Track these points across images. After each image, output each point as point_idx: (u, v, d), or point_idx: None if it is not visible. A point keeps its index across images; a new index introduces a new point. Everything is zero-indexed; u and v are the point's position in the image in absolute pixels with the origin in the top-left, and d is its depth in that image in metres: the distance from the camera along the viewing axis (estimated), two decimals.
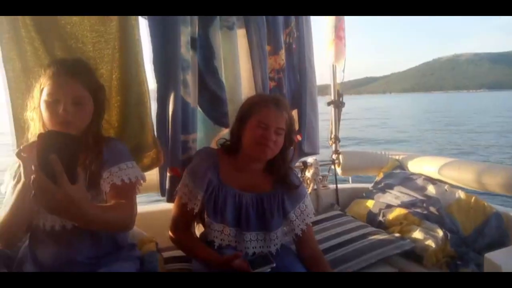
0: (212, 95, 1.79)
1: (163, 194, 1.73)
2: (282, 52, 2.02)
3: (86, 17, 1.48)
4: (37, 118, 1.23)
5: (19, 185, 1.10)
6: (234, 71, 1.86)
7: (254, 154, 1.44)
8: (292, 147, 1.57)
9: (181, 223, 1.49)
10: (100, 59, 1.52)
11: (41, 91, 1.22)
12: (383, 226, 2.10)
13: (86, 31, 1.49)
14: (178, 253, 1.59)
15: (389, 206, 2.18)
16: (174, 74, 1.61)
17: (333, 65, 2.47)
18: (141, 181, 1.31)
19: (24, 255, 1.29)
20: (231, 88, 1.85)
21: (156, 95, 1.61)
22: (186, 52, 1.66)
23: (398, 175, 2.42)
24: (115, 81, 1.55)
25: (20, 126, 1.43)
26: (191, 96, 1.70)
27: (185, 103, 1.67)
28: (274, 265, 1.30)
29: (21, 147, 1.07)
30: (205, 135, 1.84)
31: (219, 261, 1.32)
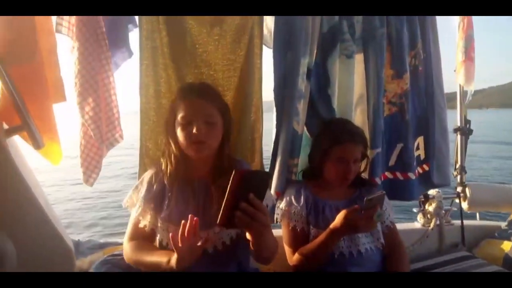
0: (321, 122, 1.78)
1: None
2: (407, 76, 1.91)
3: (220, 46, 1.62)
4: (173, 142, 1.32)
5: (155, 259, 1.20)
6: (348, 98, 1.84)
7: (336, 184, 1.58)
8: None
9: (297, 246, 1.51)
10: (227, 86, 1.63)
11: (174, 115, 1.31)
12: None
13: (218, 59, 1.61)
14: None
15: None
16: (291, 104, 1.67)
17: (460, 89, 2.24)
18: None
19: None
20: (343, 115, 1.83)
21: (275, 123, 1.69)
22: (301, 82, 1.70)
23: None
24: (234, 105, 1.64)
25: (143, 151, 1.59)
26: (300, 124, 1.74)
27: (294, 131, 1.72)
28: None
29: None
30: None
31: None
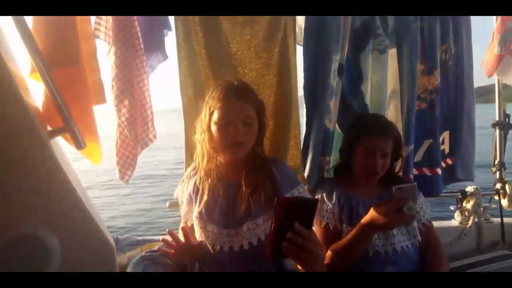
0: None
1: None
2: (438, 72, 1.87)
3: (252, 45, 1.63)
4: (207, 141, 1.29)
5: None
6: (381, 94, 1.82)
7: (364, 178, 1.54)
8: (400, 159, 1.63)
9: (329, 244, 1.48)
10: (262, 84, 1.64)
11: (210, 114, 1.27)
12: None
13: (252, 58, 1.63)
14: None
15: None
16: (322, 101, 1.66)
17: (498, 82, 2.16)
18: None
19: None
20: (376, 111, 1.80)
21: (304, 120, 1.70)
22: (332, 79, 1.68)
23: None
24: (271, 105, 1.63)
25: (189, 150, 1.61)
26: (332, 121, 1.73)
27: (326, 128, 1.71)
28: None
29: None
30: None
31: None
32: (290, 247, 0.99)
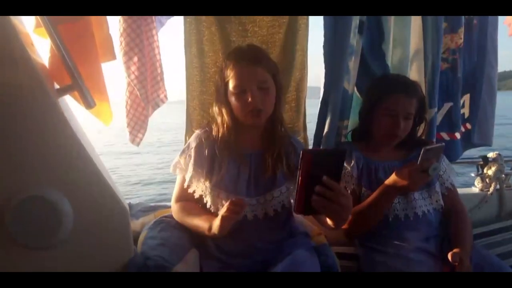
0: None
1: None
2: (461, 30, 1.79)
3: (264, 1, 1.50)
4: (226, 111, 1.27)
5: (201, 224, 1.21)
6: (403, 54, 1.72)
7: (384, 141, 1.48)
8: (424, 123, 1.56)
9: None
10: (272, 43, 1.57)
11: (225, 84, 1.25)
12: None
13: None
14: (343, 249, 1.53)
15: None
16: (341, 62, 1.57)
17: None
18: None
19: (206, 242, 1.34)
20: (398, 71, 1.70)
21: (323, 81, 1.60)
22: (352, 37, 1.59)
23: None
24: (279, 62, 1.55)
25: (189, 112, 1.57)
26: (351, 83, 1.65)
27: (345, 90, 1.63)
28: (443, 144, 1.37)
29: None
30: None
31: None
32: (320, 201, 0.97)
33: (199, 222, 1.24)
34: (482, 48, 1.91)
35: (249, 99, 1.20)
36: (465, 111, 1.96)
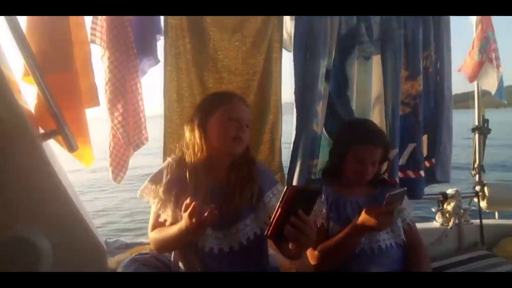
0: (340, 123, 1.81)
1: None
2: (421, 78, 1.96)
3: (240, 51, 1.67)
4: (198, 135, 1.32)
5: (176, 229, 1.21)
6: (366, 99, 1.88)
7: (352, 182, 1.61)
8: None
9: (316, 242, 1.48)
10: (246, 89, 1.69)
11: (210, 114, 1.33)
12: None
13: (239, 64, 1.66)
14: None
15: None
16: (311, 106, 1.71)
17: (477, 87, 2.25)
18: None
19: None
20: (361, 115, 1.85)
21: (295, 124, 1.72)
22: (320, 84, 1.73)
23: None
24: (254, 107, 1.68)
25: (166, 153, 1.62)
26: (319, 126, 1.78)
27: (314, 132, 1.76)
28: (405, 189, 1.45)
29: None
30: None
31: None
32: (291, 231, 1.08)
33: (173, 229, 1.23)
34: (439, 94, 2.06)
35: (239, 127, 1.31)
36: (424, 150, 2.08)
